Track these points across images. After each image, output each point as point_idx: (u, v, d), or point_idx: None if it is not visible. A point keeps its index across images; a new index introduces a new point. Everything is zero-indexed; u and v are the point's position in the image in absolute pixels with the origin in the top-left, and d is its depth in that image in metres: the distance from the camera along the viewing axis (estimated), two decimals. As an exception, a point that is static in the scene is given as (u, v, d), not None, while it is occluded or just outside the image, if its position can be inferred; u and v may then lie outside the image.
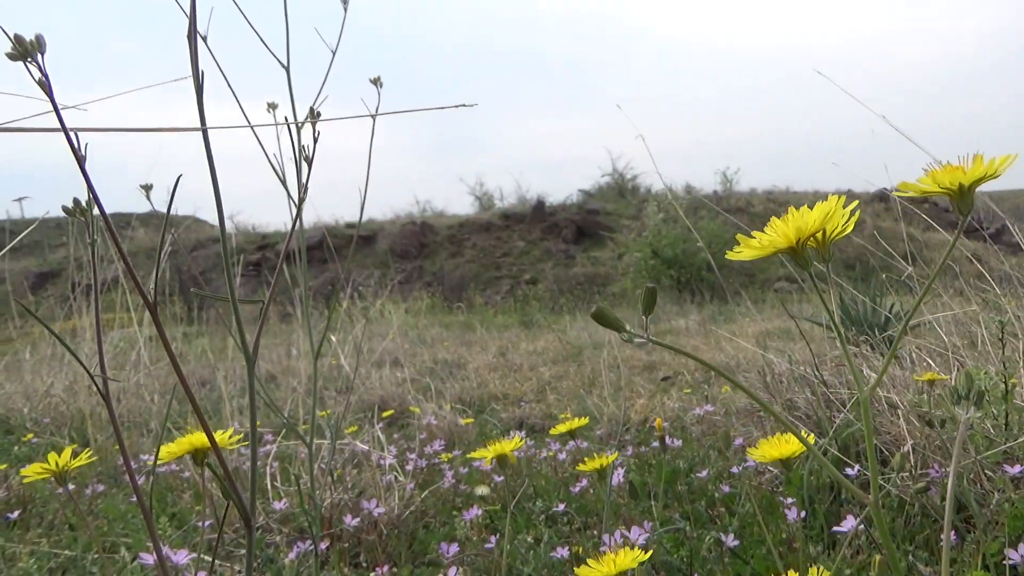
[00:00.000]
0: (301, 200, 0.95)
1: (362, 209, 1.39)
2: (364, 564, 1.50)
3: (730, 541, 1.27)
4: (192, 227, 16.46)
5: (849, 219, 0.45)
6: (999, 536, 1.35)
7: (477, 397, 4.89)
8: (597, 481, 1.80)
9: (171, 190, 0.69)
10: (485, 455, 0.81)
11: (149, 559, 0.97)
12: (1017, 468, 1.31)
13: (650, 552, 0.69)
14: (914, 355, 2.24)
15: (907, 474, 1.56)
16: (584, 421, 1.13)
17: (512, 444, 0.81)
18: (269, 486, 1.98)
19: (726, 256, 0.46)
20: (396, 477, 1.87)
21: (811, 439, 0.82)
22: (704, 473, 1.83)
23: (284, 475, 2.13)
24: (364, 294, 9.45)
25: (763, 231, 0.47)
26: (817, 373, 2.12)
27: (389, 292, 10.41)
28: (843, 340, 0.50)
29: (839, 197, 0.43)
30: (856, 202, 0.44)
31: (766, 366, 2.26)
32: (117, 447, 2.90)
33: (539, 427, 3.89)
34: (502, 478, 1.99)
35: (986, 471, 1.51)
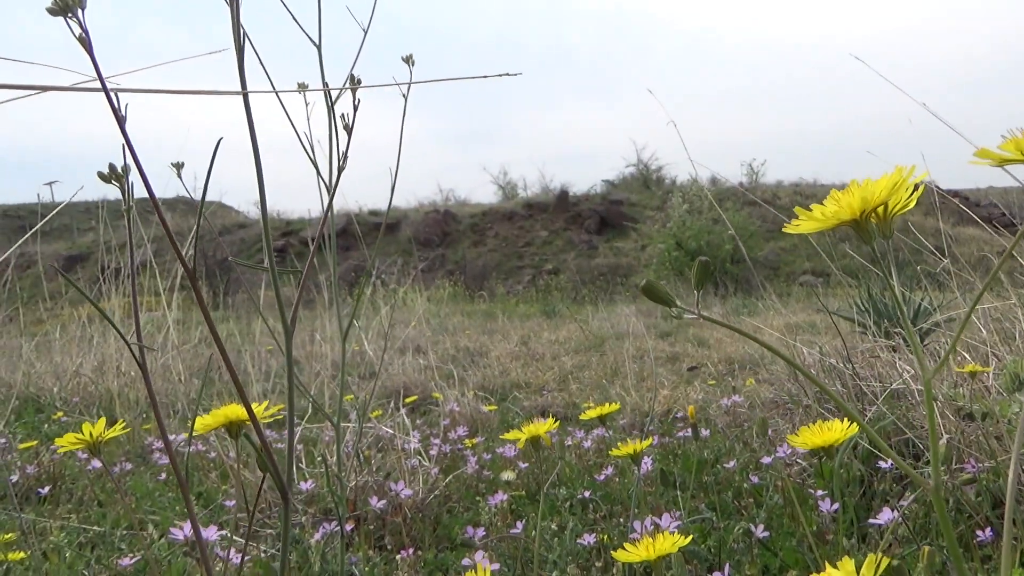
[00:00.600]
0: (340, 169, 0.94)
1: (392, 192, 1.38)
2: (389, 547, 1.49)
3: (760, 532, 1.25)
4: (217, 213, 16.61)
5: (913, 193, 0.43)
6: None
7: (499, 385, 4.89)
8: (624, 469, 1.78)
9: (211, 155, 0.68)
10: (519, 436, 0.80)
11: (179, 534, 0.97)
12: (1059, 464, 1.27)
13: (690, 537, 0.67)
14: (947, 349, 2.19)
15: (944, 467, 1.52)
16: (615, 407, 1.12)
17: (546, 426, 0.80)
18: (295, 467, 1.99)
19: (783, 230, 0.44)
20: (420, 461, 1.87)
21: (852, 429, 0.80)
22: (731, 464, 1.80)
23: (309, 458, 2.14)
24: (387, 281, 9.49)
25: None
26: (848, 364, 2.09)
27: (412, 280, 10.45)
28: (906, 322, 0.48)
29: (906, 168, 0.40)
30: (925, 173, 0.42)
31: (795, 356, 2.23)
32: (145, 427, 2.93)
33: (561, 415, 3.88)
34: (527, 465, 1.98)
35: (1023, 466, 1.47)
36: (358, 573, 1.32)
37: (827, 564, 0.82)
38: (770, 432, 2.03)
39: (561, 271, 16.50)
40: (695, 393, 3.91)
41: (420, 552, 1.42)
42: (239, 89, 0.71)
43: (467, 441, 2.23)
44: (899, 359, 2.07)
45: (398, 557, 1.33)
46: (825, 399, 1.94)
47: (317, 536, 1.32)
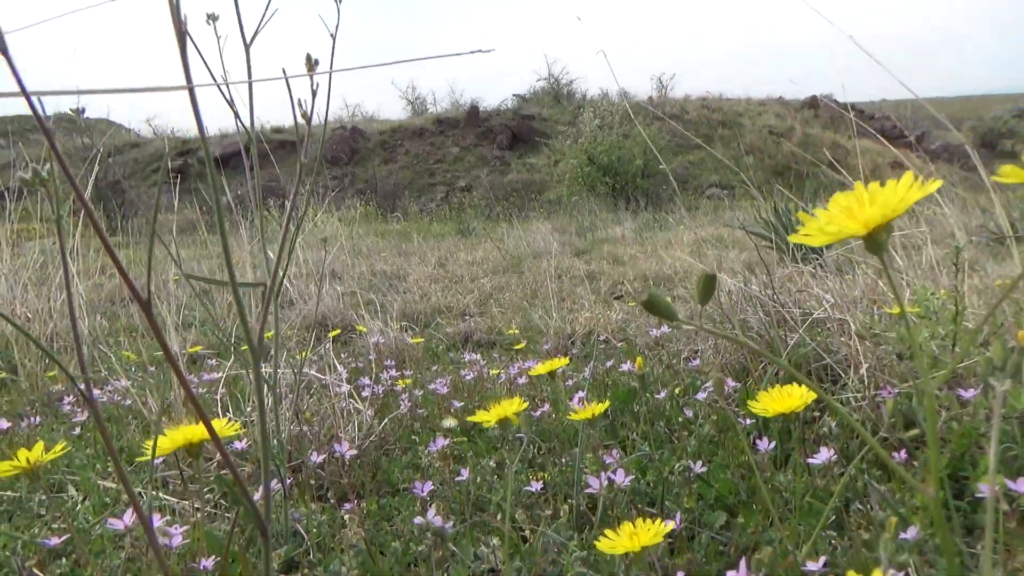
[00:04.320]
0: (250, 85, 0.86)
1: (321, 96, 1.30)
2: (330, 498, 1.48)
3: (698, 468, 1.30)
4: (106, 131, 15.49)
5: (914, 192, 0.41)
6: (946, 454, 1.41)
7: (421, 311, 4.86)
8: (558, 402, 1.79)
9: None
10: (488, 418, 0.78)
11: (119, 524, 0.91)
12: (970, 392, 1.36)
13: (668, 526, 0.68)
14: (860, 276, 2.30)
15: (860, 394, 1.61)
16: (564, 361, 1.11)
17: (514, 406, 0.78)
18: (221, 415, 1.93)
19: (789, 239, 0.43)
20: (354, 405, 1.84)
21: (810, 395, 0.81)
22: (662, 394, 1.85)
23: (234, 404, 2.08)
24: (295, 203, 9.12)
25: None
26: (770, 291, 2.16)
27: (322, 201, 10.12)
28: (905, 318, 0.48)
29: (915, 178, 0.39)
30: (940, 182, 0.40)
31: (718, 285, 2.28)
32: (49, 374, 2.77)
33: (485, 342, 3.90)
34: (461, 404, 1.99)
35: (935, 391, 1.57)
36: (303, 529, 1.30)
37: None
38: (696, 362, 2.09)
39: (474, 188, 16.35)
40: (615, 314, 3.98)
41: (363, 503, 1.41)
42: None
43: (400, 382, 2.20)
44: (816, 286, 2.15)
45: (343, 512, 1.31)
46: (749, 327, 2.01)
47: (257, 496, 1.28)
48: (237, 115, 1.20)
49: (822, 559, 0.96)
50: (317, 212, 9.09)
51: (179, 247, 4.85)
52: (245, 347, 0.76)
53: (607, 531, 0.69)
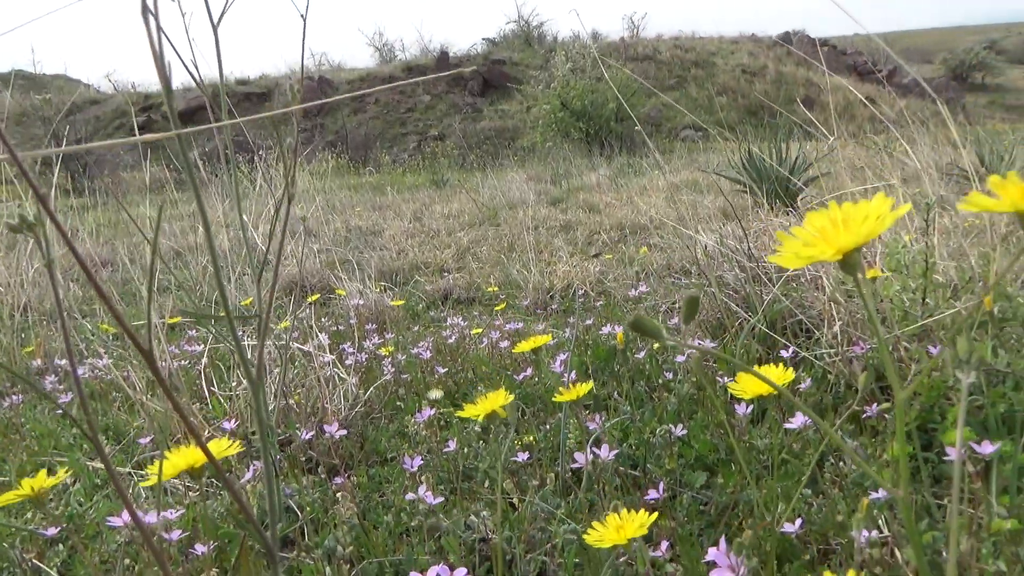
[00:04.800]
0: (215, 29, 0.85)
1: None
2: (320, 472, 1.50)
3: (678, 431, 1.34)
4: (65, 87, 15.00)
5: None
6: (915, 405, 1.46)
7: (399, 268, 4.85)
8: (540, 363, 1.82)
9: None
10: (475, 413, 0.80)
11: (118, 522, 0.93)
12: (938, 348, 1.41)
13: (654, 516, 0.71)
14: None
15: (833, 351, 1.65)
16: (547, 338, 1.13)
17: (500, 399, 0.80)
18: (205, 390, 1.93)
19: (767, 259, 0.44)
20: (338, 375, 1.86)
21: (789, 375, 0.84)
22: (641, 354, 1.89)
23: (218, 376, 2.08)
24: (264, 156, 8.98)
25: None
26: (744, 244, 2.18)
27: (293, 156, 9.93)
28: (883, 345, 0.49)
29: (887, 200, 0.40)
30: (908, 206, 0.42)
31: (695, 245, 2.31)
32: (27, 349, 2.74)
33: (465, 299, 3.92)
34: (445, 369, 2.01)
35: (904, 343, 1.62)
36: (295, 505, 1.33)
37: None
38: (676, 320, 2.13)
39: (447, 136, 16.15)
40: (593, 266, 4.01)
41: (353, 476, 1.44)
42: None
43: (384, 349, 2.22)
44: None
45: (334, 486, 1.34)
46: (725, 283, 2.04)
47: (248, 475, 1.31)
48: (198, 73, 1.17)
49: (798, 520, 1.01)
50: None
51: (148, 207, 4.76)
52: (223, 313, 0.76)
53: (595, 523, 0.72)
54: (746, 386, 0.85)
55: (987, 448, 0.94)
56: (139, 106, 15.24)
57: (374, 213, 7.96)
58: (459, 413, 0.88)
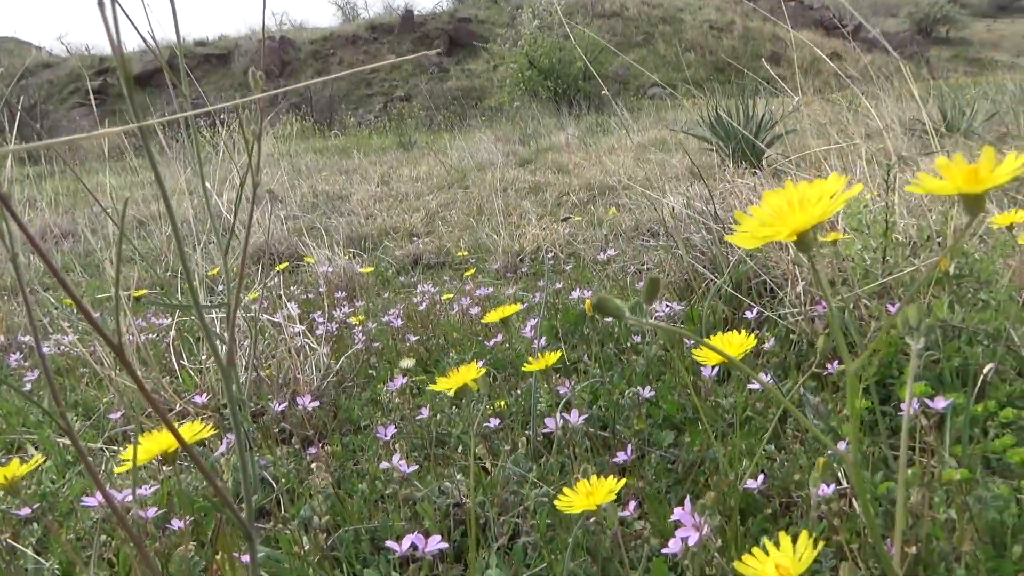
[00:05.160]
0: None
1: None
2: (293, 442, 1.51)
3: (647, 393, 1.37)
4: (15, 51, 14.47)
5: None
6: (874, 362, 1.51)
7: (367, 233, 4.82)
8: (512, 329, 1.84)
9: None
10: (448, 386, 0.81)
11: (92, 502, 0.93)
12: (897, 305, 1.45)
13: (622, 482, 0.73)
14: (793, 174, 2.36)
15: (796, 310, 1.69)
16: (516, 307, 1.14)
17: (471, 373, 0.81)
18: (175, 364, 1.92)
19: (726, 239, 0.45)
20: (308, 345, 1.86)
21: (751, 341, 0.86)
22: (609, 318, 1.91)
23: (187, 348, 2.07)
24: (226, 120, 8.79)
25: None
26: (711, 206, 2.20)
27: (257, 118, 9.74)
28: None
29: (840, 179, 0.41)
30: (860, 186, 0.43)
31: (663, 208, 2.32)
32: (-12, 326, 2.69)
33: (435, 263, 3.92)
34: (416, 337, 2.02)
35: (864, 301, 1.66)
36: (270, 477, 1.34)
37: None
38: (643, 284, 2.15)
39: (413, 97, 15.92)
40: (562, 228, 4.02)
41: (327, 446, 1.45)
42: None
43: (354, 318, 2.22)
44: (756, 200, 2.21)
45: (308, 457, 1.35)
46: (693, 245, 2.06)
47: (222, 448, 1.31)
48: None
49: (761, 476, 1.04)
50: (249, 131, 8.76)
51: (108, 175, 4.64)
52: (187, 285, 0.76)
53: (565, 490, 0.74)
54: (708, 355, 0.87)
55: (940, 403, 0.98)
56: (94, 69, 14.76)
57: (341, 177, 7.86)
58: (431, 387, 0.89)
